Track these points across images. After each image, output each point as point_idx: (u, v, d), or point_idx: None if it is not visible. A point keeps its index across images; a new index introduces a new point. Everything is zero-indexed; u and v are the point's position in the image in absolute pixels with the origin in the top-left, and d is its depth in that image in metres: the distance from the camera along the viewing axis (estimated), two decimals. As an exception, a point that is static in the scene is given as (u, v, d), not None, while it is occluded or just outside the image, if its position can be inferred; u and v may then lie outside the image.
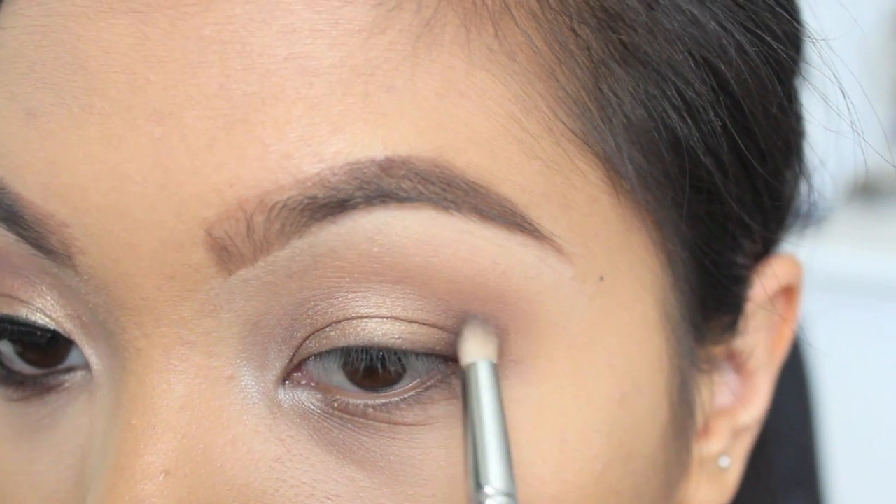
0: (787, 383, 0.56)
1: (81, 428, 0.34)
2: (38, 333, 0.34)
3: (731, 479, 0.41)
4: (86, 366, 0.34)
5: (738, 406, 0.41)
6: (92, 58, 0.31)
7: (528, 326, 0.32)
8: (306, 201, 0.30)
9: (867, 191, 1.82)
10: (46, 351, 0.34)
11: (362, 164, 0.30)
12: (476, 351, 0.31)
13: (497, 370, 0.31)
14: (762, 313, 0.40)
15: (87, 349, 0.33)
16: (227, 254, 0.31)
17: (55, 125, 0.31)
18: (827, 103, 0.37)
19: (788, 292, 0.41)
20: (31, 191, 0.31)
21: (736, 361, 0.40)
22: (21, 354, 0.34)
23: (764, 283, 0.39)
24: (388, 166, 0.30)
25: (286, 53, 0.30)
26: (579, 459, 0.33)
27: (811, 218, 0.45)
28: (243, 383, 0.32)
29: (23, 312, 0.33)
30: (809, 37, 0.38)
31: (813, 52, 0.39)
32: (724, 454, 0.40)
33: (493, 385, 0.31)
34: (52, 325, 0.33)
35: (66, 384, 0.34)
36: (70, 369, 0.34)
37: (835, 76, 0.37)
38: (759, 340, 0.41)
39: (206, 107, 0.30)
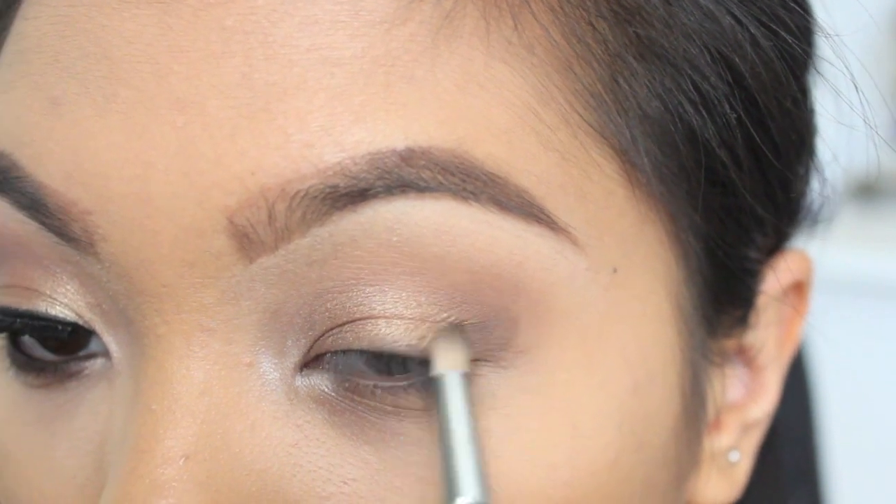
0: (788, 383, 0.56)
1: (101, 414, 0.34)
2: (59, 328, 0.34)
3: (741, 473, 0.41)
4: (105, 353, 0.34)
5: (748, 401, 0.41)
6: (116, 47, 0.31)
7: (541, 316, 0.33)
8: (327, 190, 0.30)
9: (867, 191, 1.82)
10: (68, 339, 0.34)
11: (383, 153, 0.30)
12: (446, 361, 0.31)
13: (467, 381, 0.31)
14: (772, 308, 0.41)
15: (107, 337, 0.33)
16: (248, 241, 0.31)
17: (79, 114, 0.31)
18: (839, 95, 0.37)
19: (798, 288, 0.41)
20: (55, 179, 0.32)
21: (746, 356, 0.41)
22: (42, 341, 0.35)
23: (775, 279, 0.40)
24: (408, 156, 0.30)
25: (308, 44, 0.30)
26: (592, 447, 0.33)
27: (819, 217, 0.45)
28: (262, 370, 0.32)
29: (43, 307, 0.34)
30: (821, 31, 0.38)
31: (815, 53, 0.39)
32: (734, 448, 0.41)
33: (462, 396, 0.31)
34: (72, 318, 0.33)
35: (86, 371, 0.34)
36: (90, 356, 0.34)
37: (833, 76, 0.37)
38: (770, 335, 0.41)
39: (229, 96, 0.30)
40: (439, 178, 0.31)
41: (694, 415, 0.38)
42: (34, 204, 0.32)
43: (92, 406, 0.34)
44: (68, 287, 0.33)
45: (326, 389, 0.32)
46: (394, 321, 0.31)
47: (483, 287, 0.32)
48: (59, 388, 0.35)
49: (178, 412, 0.31)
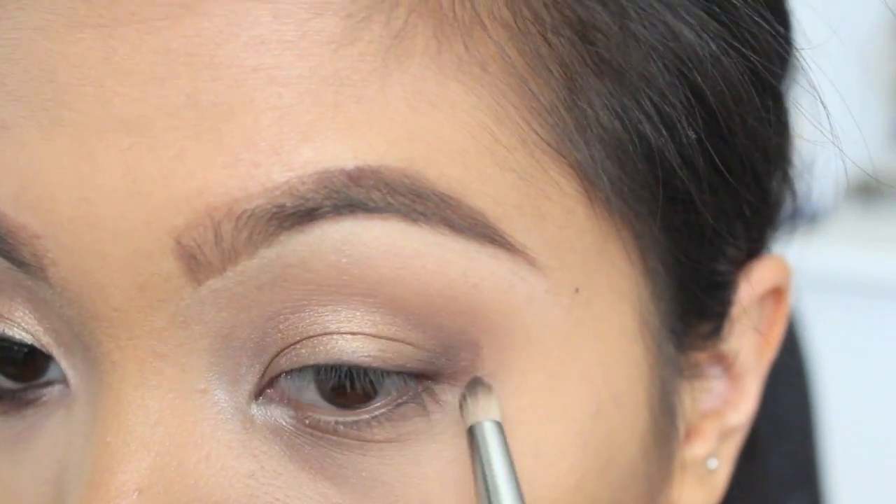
0: (787, 383, 0.56)
1: (60, 442, 0.34)
2: (16, 348, 0.34)
3: (720, 480, 0.41)
4: (63, 380, 0.34)
5: (726, 407, 0.41)
6: (61, 71, 0.31)
7: (501, 340, 0.32)
8: (274, 210, 0.30)
9: (867, 191, 1.82)
10: (25, 365, 0.34)
11: (331, 173, 0.30)
12: (480, 410, 0.31)
13: (503, 430, 0.31)
14: (749, 316, 0.40)
15: (64, 363, 0.33)
16: (195, 263, 0.31)
17: (25, 137, 0.31)
18: (839, 95, 0.37)
19: (776, 294, 0.41)
20: (3, 202, 0.31)
21: (724, 363, 0.40)
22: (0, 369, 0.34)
23: (751, 286, 0.39)
24: (357, 176, 0.30)
25: (254, 64, 0.30)
26: (553, 473, 0.33)
27: (809, 218, 0.45)
28: (216, 398, 0.32)
29: (0, 327, 0.33)
30: (799, 45, 0.38)
31: (812, 53, 0.39)
32: (712, 456, 0.40)
33: (500, 445, 0.31)
34: (29, 340, 0.33)
35: (44, 398, 0.34)
36: (48, 383, 0.34)
37: (833, 76, 0.37)
38: (747, 343, 0.40)
39: (175, 117, 0.30)
40: (388, 198, 0.30)
41: (664, 430, 0.37)
42: None
43: (51, 433, 0.34)
44: (24, 312, 0.33)
45: (284, 423, 0.32)
46: (349, 335, 0.31)
47: (438, 310, 0.31)
48: (17, 416, 0.34)
49: (132, 444, 0.31)
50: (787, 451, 0.58)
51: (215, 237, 0.30)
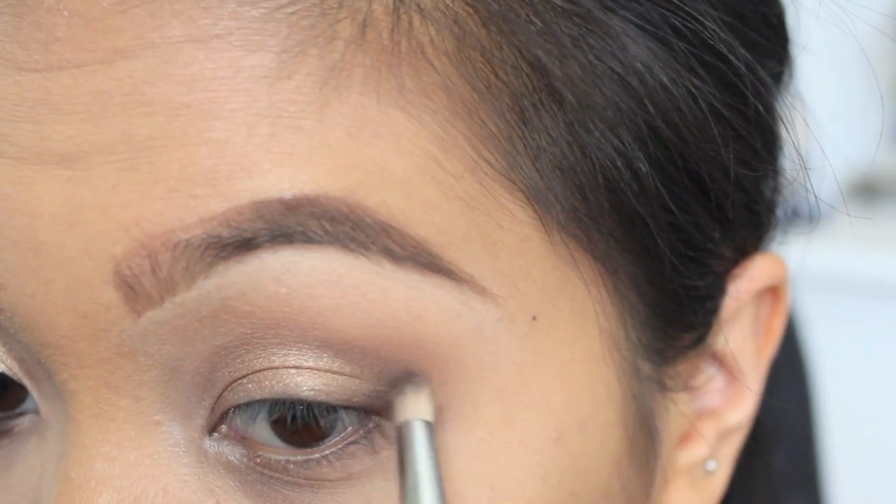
0: (787, 383, 0.56)
1: (34, 469, 0.34)
2: None
3: (718, 482, 0.40)
4: (36, 409, 0.34)
5: (725, 407, 0.40)
6: (1, 108, 0.31)
7: (452, 372, 0.32)
8: (211, 240, 0.30)
9: (867, 191, 1.82)
10: (1, 395, 0.34)
11: (268, 202, 0.30)
12: (410, 409, 0.31)
13: (433, 430, 0.31)
14: (747, 314, 0.40)
15: (35, 392, 0.34)
16: (133, 293, 0.31)
17: None
18: (839, 95, 0.37)
19: (774, 292, 0.41)
20: None
21: (722, 363, 0.40)
22: None
23: (742, 288, 0.39)
24: (294, 206, 0.30)
25: (188, 100, 0.30)
26: None
27: (809, 218, 0.45)
28: (171, 430, 0.32)
29: None
30: (805, 47, 0.37)
31: (812, 55, 0.38)
32: (710, 458, 0.40)
33: (427, 446, 0.31)
34: (1, 367, 0.34)
35: (17, 428, 0.34)
36: (21, 414, 0.34)
37: (832, 75, 0.37)
38: (746, 341, 0.40)
39: (111, 152, 0.30)
40: (327, 227, 0.30)
41: (641, 449, 0.37)
42: None
43: (26, 461, 0.34)
44: None
45: (235, 460, 0.32)
46: (294, 370, 0.31)
47: (381, 342, 0.31)
48: None
49: (92, 481, 0.32)
50: (786, 450, 0.58)
51: (152, 267, 0.30)
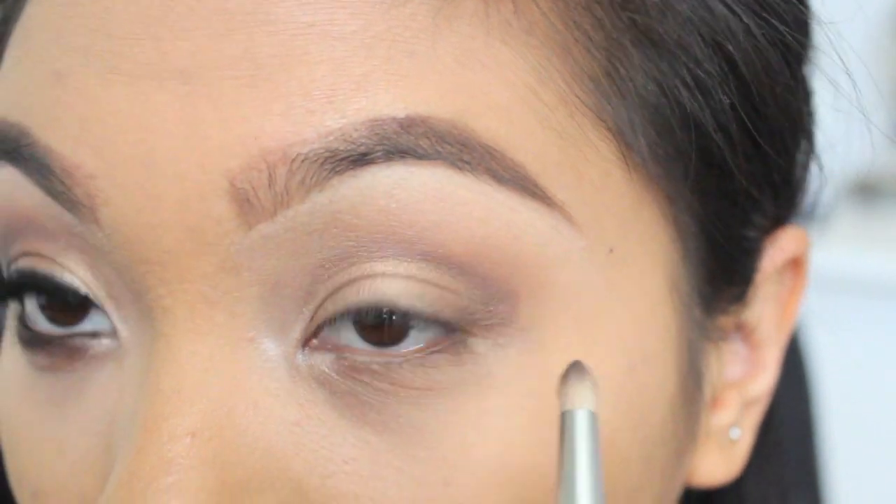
0: (787, 383, 0.56)
1: (110, 394, 0.35)
2: (70, 295, 0.35)
3: (741, 450, 0.41)
4: (112, 333, 0.35)
5: (747, 377, 0.41)
6: (118, 26, 0.32)
7: (539, 294, 0.33)
8: (327, 154, 0.31)
9: (867, 191, 1.82)
10: (70, 309, 0.35)
11: (383, 120, 0.31)
12: (576, 398, 0.31)
13: (597, 421, 0.31)
14: (770, 285, 0.41)
15: (115, 315, 0.34)
16: (248, 206, 0.31)
17: (82, 84, 0.33)
18: (838, 93, 0.38)
19: (796, 264, 0.42)
20: (63, 144, 0.33)
21: (745, 332, 0.41)
22: (43, 310, 0.35)
23: (772, 255, 0.40)
24: (407, 124, 0.31)
25: (310, 20, 0.31)
26: None
27: (818, 205, 0.45)
28: (263, 346, 0.33)
29: (58, 273, 0.34)
30: (819, 26, 0.39)
31: (812, 53, 0.39)
32: (735, 425, 0.41)
33: (590, 437, 0.31)
34: (83, 289, 0.34)
35: (92, 351, 0.35)
36: (95, 335, 0.35)
37: (832, 74, 0.38)
38: (768, 312, 0.41)
39: (232, 68, 0.31)
40: (437, 146, 0.31)
41: (691, 392, 0.38)
42: (42, 169, 0.33)
43: (101, 386, 0.35)
44: (77, 260, 0.34)
45: (326, 370, 0.33)
46: (392, 278, 0.32)
47: (481, 259, 0.32)
48: (67, 370, 0.35)
49: (184, 391, 0.32)
50: (786, 451, 0.58)
51: (269, 180, 0.31)
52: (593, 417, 0.31)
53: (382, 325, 0.33)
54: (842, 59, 0.37)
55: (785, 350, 0.42)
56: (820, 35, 0.39)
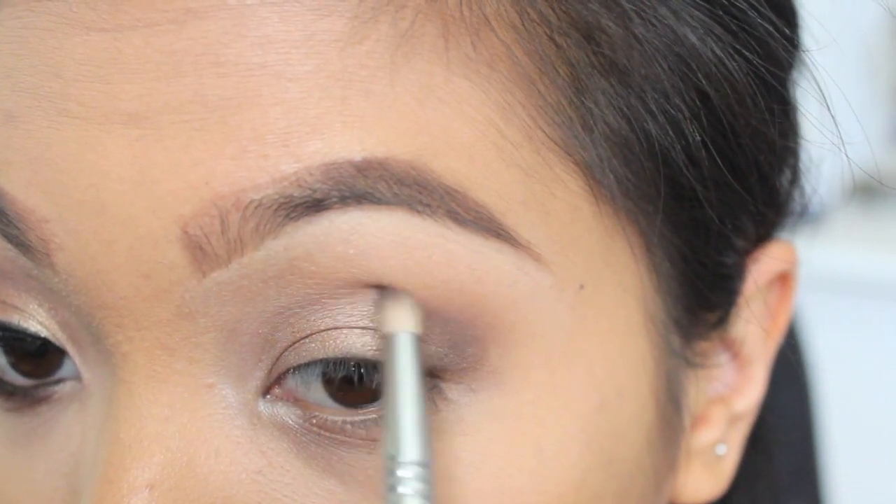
0: (787, 383, 0.56)
1: (74, 437, 0.34)
2: (29, 340, 0.34)
3: (728, 466, 0.41)
4: (76, 376, 0.34)
5: (734, 393, 0.41)
6: (67, 67, 0.31)
7: (506, 336, 0.33)
8: (282, 200, 0.30)
9: (867, 191, 1.82)
10: (38, 361, 0.34)
11: (339, 164, 0.30)
12: (398, 321, 0.31)
13: (419, 343, 0.31)
14: (756, 301, 0.40)
15: (77, 358, 0.34)
16: (201, 253, 0.31)
17: (33, 125, 0.32)
18: (840, 93, 0.37)
19: (783, 279, 0.41)
20: (15, 186, 0.32)
21: (732, 349, 0.41)
22: (13, 365, 0.35)
23: (756, 275, 0.40)
24: (364, 167, 0.31)
25: (261, 62, 0.31)
26: (557, 468, 0.33)
27: (810, 217, 0.45)
28: (224, 393, 0.32)
29: (16, 318, 0.34)
30: (804, 46, 0.38)
31: (812, 53, 0.39)
32: (721, 442, 0.41)
33: (412, 357, 0.31)
34: (43, 333, 0.34)
35: (56, 395, 0.34)
36: (60, 381, 0.34)
37: (833, 75, 0.37)
38: (753, 329, 0.41)
39: (182, 111, 0.30)
40: (395, 189, 0.31)
41: (669, 421, 0.38)
42: None
43: (65, 428, 0.34)
44: (36, 305, 0.33)
45: (291, 422, 0.33)
46: (359, 330, 0.31)
47: (444, 303, 0.32)
48: (31, 413, 0.35)
49: (144, 441, 0.32)
50: (786, 451, 0.58)
51: (222, 227, 0.31)
52: (415, 340, 0.31)
53: (352, 383, 0.32)
54: (842, 60, 0.37)
55: (776, 357, 0.42)
56: (820, 35, 0.39)
